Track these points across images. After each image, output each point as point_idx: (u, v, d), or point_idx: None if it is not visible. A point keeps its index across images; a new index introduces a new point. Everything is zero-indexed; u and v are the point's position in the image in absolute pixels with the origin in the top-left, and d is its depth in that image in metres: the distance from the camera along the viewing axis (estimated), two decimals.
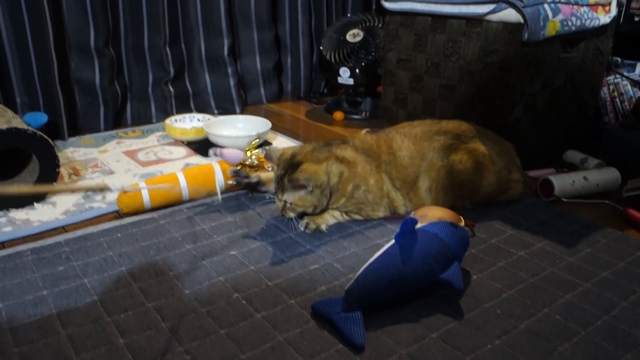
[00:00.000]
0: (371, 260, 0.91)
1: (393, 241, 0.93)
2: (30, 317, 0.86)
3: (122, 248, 1.08)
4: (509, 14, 1.32)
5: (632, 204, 1.33)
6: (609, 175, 1.42)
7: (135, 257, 1.05)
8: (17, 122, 1.26)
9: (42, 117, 1.63)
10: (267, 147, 1.19)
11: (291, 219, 1.18)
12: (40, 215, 1.23)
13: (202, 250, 1.09)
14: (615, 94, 1.77)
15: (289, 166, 1.15)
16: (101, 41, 1.80)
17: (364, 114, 2.17)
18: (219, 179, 1.33)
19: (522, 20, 1.30)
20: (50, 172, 1.28)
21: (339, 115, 2.14)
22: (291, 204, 1.14)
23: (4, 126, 1.18)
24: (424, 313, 0.90)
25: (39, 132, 1.23)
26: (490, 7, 1.34)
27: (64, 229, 1.19)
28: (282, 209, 1.16)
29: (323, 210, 1.20)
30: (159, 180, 1.27)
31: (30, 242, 1.10)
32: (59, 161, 1.28)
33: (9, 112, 1.37)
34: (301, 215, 1.19)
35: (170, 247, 1.09)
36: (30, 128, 1.23)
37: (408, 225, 0.92)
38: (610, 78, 1.77)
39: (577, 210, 1.32)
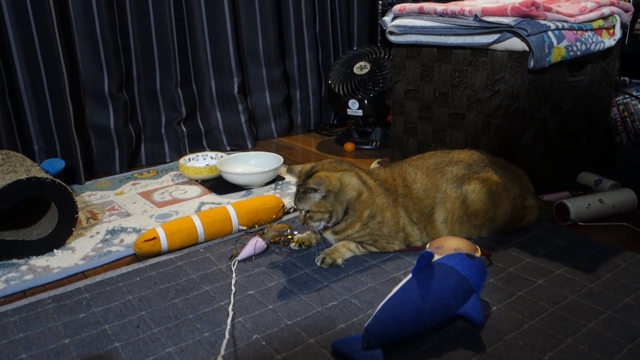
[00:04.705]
0: (389, 296, 0.90)
1: (410, 275, 0.93)
2: None
3: (141, 292, 1.09)
4: (514, 43, 1.34)
5: None
6: (624, 196, 1.41)
7: (154, 301, 1.06)
8: (36, 171, 1.29)
9: (59, 163, 1.67)
10: (289, 167, 1.23)
11: (313, 244, 1.26)
12: (60, 261, 1.24)
13: (220, 291, 1.09)
14: (626, 114, 1.77)
15: (306, 177, 1.18)
16: (115, 86, 1.85)
17: (374, 143, 2.18)
18: (234, 225, 1.35)
19: (527, 49, 1.32)
20: (69, 218, 1.30)
21: (349, 146, 2.16)
22: (308, 211, 1.16)
23: (23, 176, 1.21)
24: (445, 348, 0.89)
25: (58, 180, 1.26)
26: (495, 36, 1.36)
27: (83, 274, 1.20)
28: (303, 220, 1.18)
29: (337, 223, 1.19)
30: (175, 223, 1.28)
31: (51, 290, 1.11)
32: (77, 207, 1.30)
33: (28, 161, 1.40)
34: (323, 229, 1.22)
35: (189, 289, 1.10)
36: (49, 176, 1.26)
37: (425, 260, 0.92)
38: (620, 98, 1.77)
39: (595, 234, 1.31)
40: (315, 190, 1.14)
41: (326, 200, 1.15)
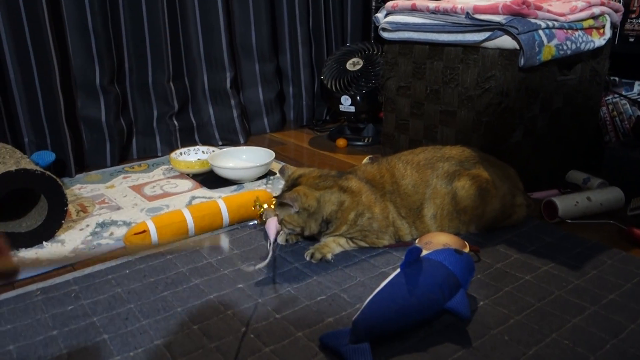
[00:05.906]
0: (377, 290, 0.91)
1: (398, 270, 0.94)
2: (41, 358, 0.87)
3: (131, 285, 1.09)
4: (505, 41, 1.34)
5: (636, 223, 1.33)
6: (612, 194, 1.42)
7: (143, 294, 1.06)
8: (26, 163, 1.28)
9: (49, 156, 1.66)
10: (283, 165, 1.24)
11: (286, 241, 1.25)
12: (49, 254, 1.24)
13: (209, 284, 1.09)
14: (615, 113, 1.78)
15: (291, 184, 1.20)
16: (106, 79, 1.84)
17: (366, 140, 2.19)
18: (225, 219, 1.35)
19: (517, 47, 1.33)
20: (58, 210, 1.29)
21: (341, 142, 2.16)
22: (282, 219, 1.18)
23: (13, 167, 1.21)
24: (431, 342, 0.90)
25: (47, 172, 1.25)
26: (486, 34, 1.37)
27: (72, 266, 1.20)
28: (280, 222, 1.19)
29: (320, 233, 1.21)
30: (165, 217, 1.28)
31: (40, 282, 1.11)
32: (67, 200, 1.30)
33: (18, 153, 1.39)
34: (298, 235, 1.24)
35: (178, 282, 1.10)
36: (38, 168, 1.25)
37: (413, 254, 0.92)
38: (609, 98, 1.79)
39: (582, 231, 1.32)
40: (290, 206, 1.15)
41: (299, 216, 1.16)
